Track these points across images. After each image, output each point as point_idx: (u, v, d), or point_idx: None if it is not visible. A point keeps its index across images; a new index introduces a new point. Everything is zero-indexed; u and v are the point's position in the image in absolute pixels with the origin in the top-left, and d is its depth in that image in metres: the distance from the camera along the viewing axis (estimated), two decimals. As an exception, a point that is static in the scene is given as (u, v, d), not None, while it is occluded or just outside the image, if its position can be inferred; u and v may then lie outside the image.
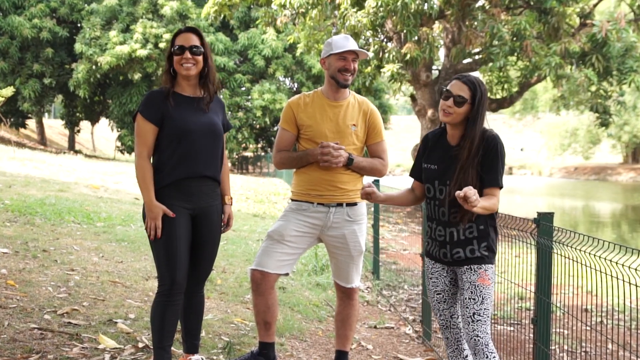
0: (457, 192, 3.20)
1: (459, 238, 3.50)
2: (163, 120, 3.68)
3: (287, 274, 4.21)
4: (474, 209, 3.23)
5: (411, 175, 3.79)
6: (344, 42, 4.11)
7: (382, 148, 4.29)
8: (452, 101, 3.43)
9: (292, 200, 4.26)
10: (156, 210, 3.64)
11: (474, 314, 3.43)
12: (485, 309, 3.44)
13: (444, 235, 3.55)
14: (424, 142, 3.71)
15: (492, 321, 6.27)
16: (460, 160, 3.45)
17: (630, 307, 6.34)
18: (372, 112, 4.25)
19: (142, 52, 29.62)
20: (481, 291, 3.44)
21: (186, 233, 3.73)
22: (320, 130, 4.14)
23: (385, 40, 17.81)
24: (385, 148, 4.31)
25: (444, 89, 3.50)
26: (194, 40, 3.75)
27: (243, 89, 33.41)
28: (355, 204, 4.21)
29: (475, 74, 20.58)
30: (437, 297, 3.68)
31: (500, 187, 3.45)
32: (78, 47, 30.59)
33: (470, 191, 3.17)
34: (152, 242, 3.69)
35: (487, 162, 3.42)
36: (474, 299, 3.44)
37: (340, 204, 4.16)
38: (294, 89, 34.41)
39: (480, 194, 3.41)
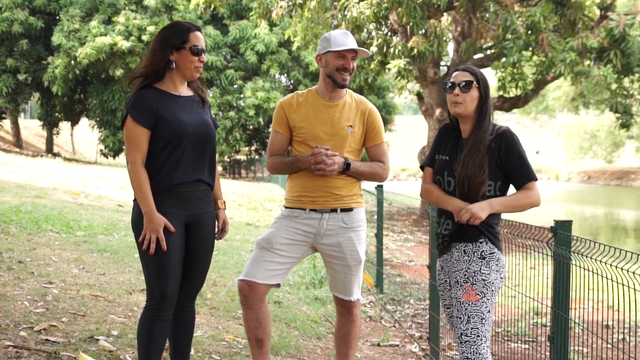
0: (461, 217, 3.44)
1: (465, 232, 3.53)
2: (156, 123, 3.67)
3: (278, 285, 4.21)
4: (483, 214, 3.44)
5: (426, 165, 3.78)
6: (344, 39, 4.12)
7: (382, 151, 4.30)
8: (458, 89, 3.55)
9: (285, 207, 4.28)
10: (158, 221, 3.61)
11: (461, 334, 3.44)
12: (472, 328, 3.42)
13: (450, 229, 3.58)
14: (440, 132, 3.80)
15: (506, 338, 6.28)
16: (466, 145, 3.53)
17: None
18: (370, 111, 4.26)
19: (124, 44, 29.60)
20: (466, 309, 3.44)
21: (180, 243, 3.72)
22: (314, 132, 4.16)
23: (389, 33, 17.84)
24: (385, 150, 4.32)
25: (447, 83, 3.59)
26: (204, 42, 3.78)
27: (235, 86, 33.38)
28: (351, 209, 4.21)
29: (487, 70, 20.61)
30: (448, 311, 3.70)
31: (535, 180, 3.51)
32: (56, 38, 30.54)
33: (466, 213, 3.43)
34: (143, 252, 3.68)
35: (513, 159, 3.49)
36: (459, 318, 3.45)
37: (334, 210, 4.17)
38: (290, 87, 34.41)
39: (503, 193, 3.56)
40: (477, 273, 3.47)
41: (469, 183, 3.48)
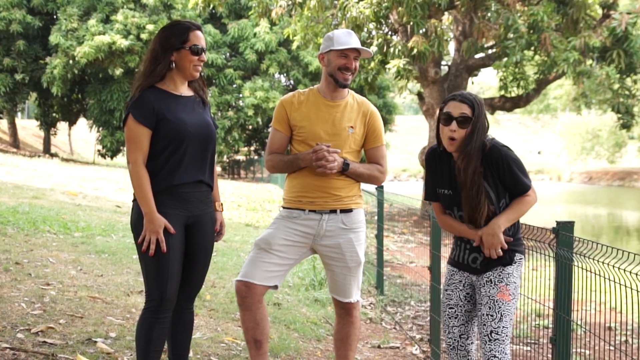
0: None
1: (499, 259, 3.57)
2: (157, 122, 3.67)
3: (276, 287, 4.21)
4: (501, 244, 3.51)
5: (430, 200, 3.81)
6: (347, 39, 4.13)
7: (381, 153, 4.30)
8: (456, 124, 3.50)
9: (284, 207, 4.28)
10: (158, 222, 3.61)
11: (491, 332, 3.46)
12: (503, 327, 3.47)
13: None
14: (428, 162, 3.78)
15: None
16: (461, 184, 3.54)
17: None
18: (372, 113, 4.27)
19: (123, 43, 29.59)
20: (500, 307, 3.47)
21: (179, 244, 3.72)
22: (315, 132, 4.16)
23: (390, 33, 17.83)
24: (384, 154, 4.33)
25: (442, 112, 3.56)
26: (204, 40, 3.78)
27: (234, 86, 33.37)
28: (350, 210, 4.21)
29: (489, 69, 20.60)
30: (449, 311, 3.70)
31: (531, 186, 3.57)
32: (54, 38, 30.53)
33: (490, 250, 3.51)
34: (142, 253, 3.68)
35: (505, 175, 3.52)
36: (491, 316, 3.47)
37: (333, 211, 4.17)
38: (290, 86, 34.40)
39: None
40: (510, 275, 3.55)
41: (481, 219, 3.53)
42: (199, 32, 3.77)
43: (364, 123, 4.23)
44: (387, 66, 16.36)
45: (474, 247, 3.60)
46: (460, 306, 3.67)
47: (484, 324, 3.49)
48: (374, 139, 4.27)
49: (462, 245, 3.67)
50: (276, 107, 4.30)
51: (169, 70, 3.76)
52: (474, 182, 3.48)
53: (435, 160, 3.72)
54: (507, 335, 3.47)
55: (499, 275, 3.52)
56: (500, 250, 3.50)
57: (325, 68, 4.21)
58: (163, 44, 3.72)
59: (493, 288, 3.51)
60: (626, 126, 19.14)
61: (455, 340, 3.69)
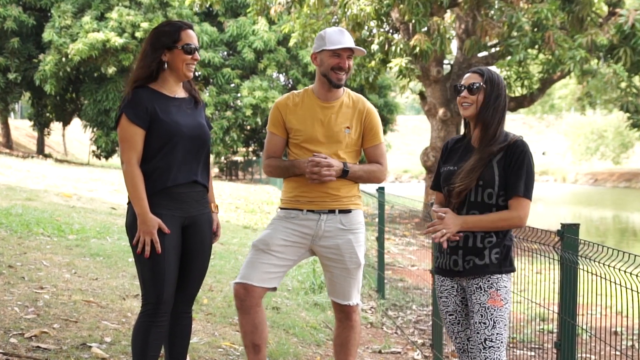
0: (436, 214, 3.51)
1: (474, 245, 3.54)
2: (151, 123, 3.68)
3: (274, 289, 4.22)
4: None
5: (433, 187, 3.80)
6: (339, 37, 4.14)
7: (380, 152, 4.31)
8: (466, 91, 3.56)
9: (281, 208, 4.29)
10: (151, 223, 3.62)
11: (485, 339, 3.46)
12: (497, 333, 3.46)
13: (458, 240, 3.58)
14: (444, 148, 3.82)
15: (511, 345, 6.28)
16: (475, 151, 3.53)
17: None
18: (368, 111, 4.28)
19: (117, 41, 29.56)
20: (492, 314, 3.47)
21: (176, 246, 3.73)
22: (311, 135, 4.18)
23: (391, 31, 17.84)
24: (383, 152, 4.34)
25: (457, 85, 3.59)
26: (197, 39, 3.79)
27: (232, 85, 33.37)
28: (349, 211, 4.22)
29: (492, 68, 20.61)
30: (450, 318, 3.70)
31: (525, 197, 3.48)
32: (47, 35, 30.51)
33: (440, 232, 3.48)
34: (138, 255, 3.69)
35: (513, 170, 3.49)
36: (484, 323, 3.47)
37: (332, 211, 4.18)
38: (289, 85, 34.39)
39: (505, 206, 3.51)
40: (500, 280, 3.53)
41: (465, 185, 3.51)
42: (190, 31, 3.79)
43: (360, 121, 4.25)
44: (389, 65, 16.36)
45: (453, 249, 3.59)
46: (459, 312, 3.68)
47: (477, 332, 3.49)
48: (372, 137, 4.28)
49: (444, 250, 3.67)
50: (271, 110, 4.32)
51: (162, 71, 3.78)
52: (483, 152, 3.50)
53: (452, 144, 3.77)
54: (501, 342, 3.47)
55: (488, 281, 3.51)
56: (443, 235, 3.48)
57: (318, 68, 4.23)
58: (154, 44, 3.75)
59: (483, 295, 3.50)
60: (636, 125, 19.15)
61: (463, 343, 3.69)
